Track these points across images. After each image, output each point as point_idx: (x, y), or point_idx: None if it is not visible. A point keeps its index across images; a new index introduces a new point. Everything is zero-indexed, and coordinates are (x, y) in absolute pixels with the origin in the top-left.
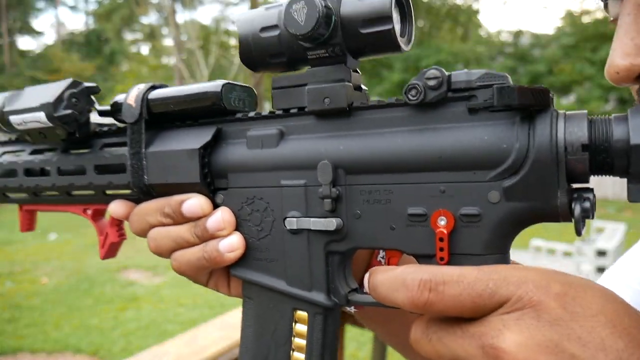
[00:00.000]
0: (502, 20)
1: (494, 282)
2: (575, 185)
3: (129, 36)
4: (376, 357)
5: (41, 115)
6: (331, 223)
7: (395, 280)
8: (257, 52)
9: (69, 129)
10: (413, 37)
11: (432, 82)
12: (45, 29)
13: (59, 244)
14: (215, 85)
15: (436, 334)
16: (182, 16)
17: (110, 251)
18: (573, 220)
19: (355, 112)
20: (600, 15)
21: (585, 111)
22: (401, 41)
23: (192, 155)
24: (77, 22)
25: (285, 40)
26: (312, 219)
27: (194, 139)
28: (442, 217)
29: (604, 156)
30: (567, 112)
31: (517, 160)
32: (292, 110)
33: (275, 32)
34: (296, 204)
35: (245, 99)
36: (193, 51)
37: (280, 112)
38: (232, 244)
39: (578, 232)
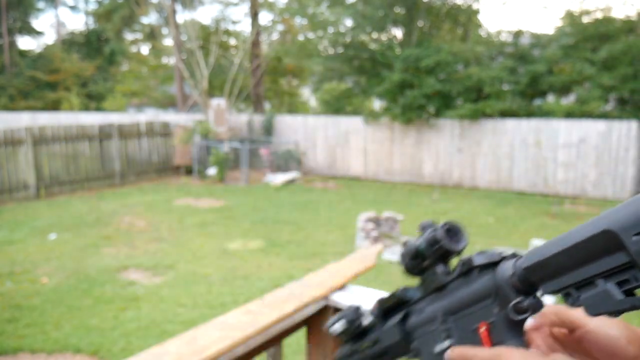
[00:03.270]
0: (502, 20)
1: (492, 357)
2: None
3: (129, 36)
4: None
5: (337, 327)
6: (447, 342)
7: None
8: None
9: (351, 332)
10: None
11: (461, 266)
12: (46, 29)
13: (59, 244)
14: (396, 292)
15: None
16: (182, 16)
17: None
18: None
19: (446, 286)
20: (600, 15)
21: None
22: (454, 246)
23: (395, 326)
24: (77, 22)
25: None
26: (444, 342)
27: (395, 319)
28: (483, 326)
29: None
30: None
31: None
32: (425, 293)
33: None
34: (436, 338)
35: (414, 293)
36: (193, 51)
37: (421, 296)
38: None
39: None
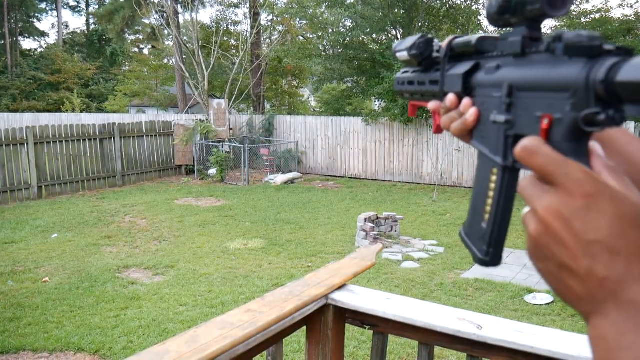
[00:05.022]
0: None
1: (557, 168)
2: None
3: (130, 37)
4: (375, 356)
5: (405, 54)
6: (503, 117)
7: (519, 145)
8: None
9: (418, 60)
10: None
11: (551, 40)
12: (47, 30)
13: (60, 243)
14: (473, 38)
15: (528, 182)
16: (183, 17)
17: (438, 129)
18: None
19: (527, 55)
20: (598, 16)
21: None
22: (552, 11)
23: (459, 77)
24: (79, 23)
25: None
26: (498, 115)
27: (463, 68)
28: (546, 119)
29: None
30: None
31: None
32: (503, 53)
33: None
34: (496, 107)
35: (493, 47)
36: (194, 51)
37: (499, 54)
38: (473, 114)
39: None
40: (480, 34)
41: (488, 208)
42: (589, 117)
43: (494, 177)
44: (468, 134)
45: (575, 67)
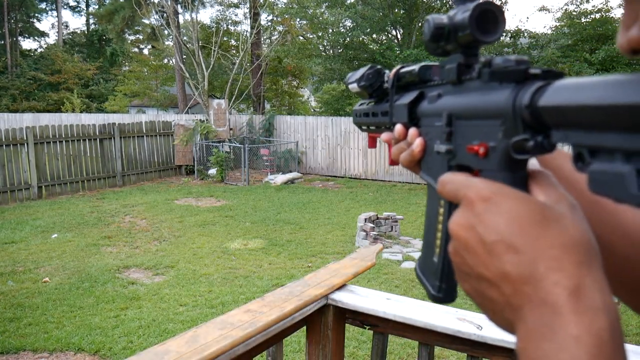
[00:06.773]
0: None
1: (461, 186)
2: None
3: (130, 37)
4: (376, 356)
5: (355, 86)
6: (444, 147)
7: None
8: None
9: (369, 92)
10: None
11: (481, 65)
12: (47, 30)
13: (60, 243)
14: (416, 66)
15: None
16: (183, 17)
17: (392, 161)
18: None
19: (463, 82)
20: (598, 15)
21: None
22: (483, 37)
23: (405, 107)
24: (79, 23)
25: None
26: (440, 145)
27: (408, 98)
28: (482, 147)
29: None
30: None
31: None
32: (443, 81)
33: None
34: (438, 136)
35: (438, 75)
36: (194, 52)
37: (440, 82)
38: (419, 144)
39: None
40: (424, 62)
41: (438, 242)
42: (518, 144)
43: (441, 210)
44: (417, 165)
45: (504, 93)
